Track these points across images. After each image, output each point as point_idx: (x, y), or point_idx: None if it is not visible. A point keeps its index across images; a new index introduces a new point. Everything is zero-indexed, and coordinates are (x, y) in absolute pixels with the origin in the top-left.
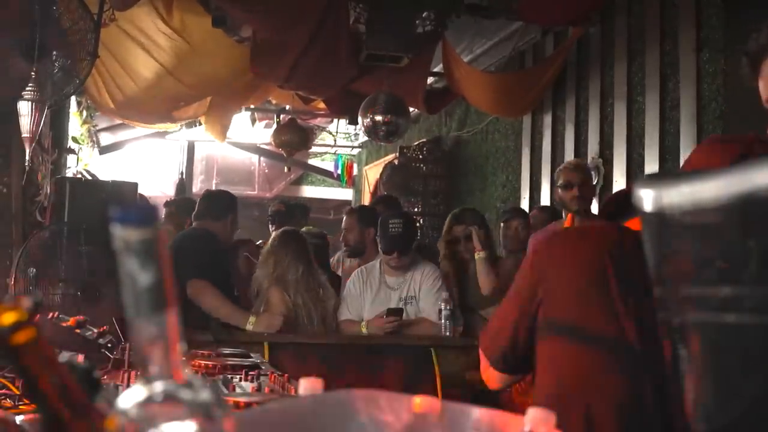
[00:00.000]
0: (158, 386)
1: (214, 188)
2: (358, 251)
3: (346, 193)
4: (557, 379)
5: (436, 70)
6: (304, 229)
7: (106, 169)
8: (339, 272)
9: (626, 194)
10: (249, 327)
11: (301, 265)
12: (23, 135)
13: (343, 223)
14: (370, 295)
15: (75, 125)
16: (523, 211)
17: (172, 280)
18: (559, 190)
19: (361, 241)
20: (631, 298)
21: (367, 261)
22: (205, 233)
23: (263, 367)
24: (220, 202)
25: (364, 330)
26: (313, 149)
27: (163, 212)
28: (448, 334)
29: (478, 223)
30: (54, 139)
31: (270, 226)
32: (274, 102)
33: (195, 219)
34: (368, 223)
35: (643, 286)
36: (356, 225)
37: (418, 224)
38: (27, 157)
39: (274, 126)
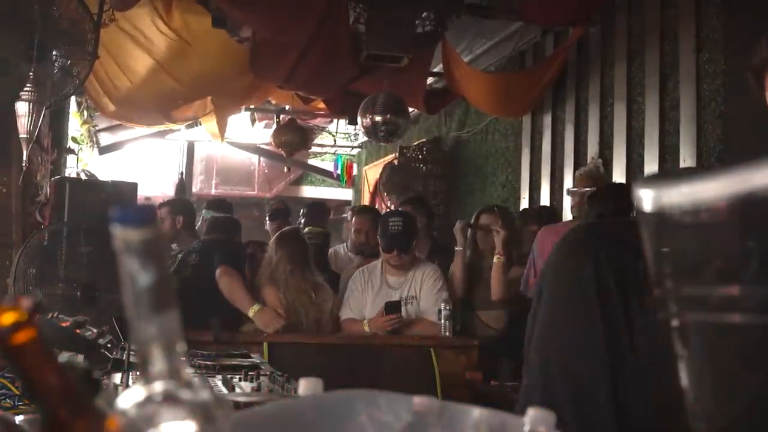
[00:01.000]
0: (158, 386)
1: (213, 189)
2: (366, 250)
3: (345, 194)
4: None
5: (436, 70)
6: (306, 229)
7: (106, 169)
8: (333, 266)
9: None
10: (250, 314)
11: (290, 264)
12: (21, 135)
13: (355, 223)
14: (372, 294)
15: (75, 125)
16: (541, 212)
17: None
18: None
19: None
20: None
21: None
22: (228, 239)
23: (263, 367)
24: (228, 224)
25: (366, 328)
26: (313, 149)
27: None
28: (448, 334)
29: (502, 218)
30: (53, 139)
31: (269, 223)
32: (274, 102)
33: (206, 236)
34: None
35: (617, 287)
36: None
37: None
38: (24, 158)
39: (274, 126)
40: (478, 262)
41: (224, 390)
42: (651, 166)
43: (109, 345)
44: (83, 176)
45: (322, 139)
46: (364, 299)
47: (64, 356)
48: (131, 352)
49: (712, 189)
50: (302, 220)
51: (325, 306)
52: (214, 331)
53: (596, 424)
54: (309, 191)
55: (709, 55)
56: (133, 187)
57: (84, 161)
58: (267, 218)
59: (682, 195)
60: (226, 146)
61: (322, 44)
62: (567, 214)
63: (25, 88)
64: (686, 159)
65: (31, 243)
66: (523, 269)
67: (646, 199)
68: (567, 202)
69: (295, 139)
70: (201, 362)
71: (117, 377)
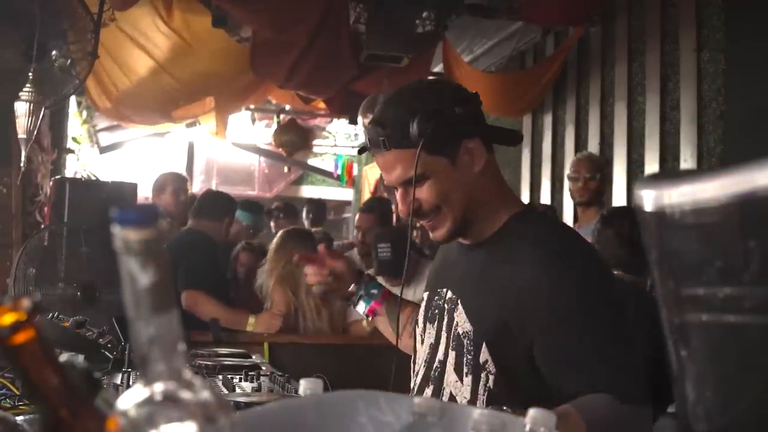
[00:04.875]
0: (158, 386)
1: (214, 188)
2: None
3: (346, 193)
4: None
5: (436, 70)
6: (312, 229)
7: (106, 169)
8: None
9: None
10: (249, 328)
11: None
12: (20, 135)
13: (358, 221)
14: None
15: (75, 125)
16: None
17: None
18: (568, 182)
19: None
20: None
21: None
22: (199, 236)
23: (263, 367)
24: (219, 204)
25: (367, 328)
26: (313, 149)
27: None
28: None
29: None
30: (53, 139)
31: (270, 222)
32: (274, 102)
33: (192, 217)
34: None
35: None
36: (375, 222)
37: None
38: (23, 158)
39: (274, 126)
40: None
41: (225, 390)
42: (651, 166)
43: (109, 345)
44: (83, 176)
45: (323, 139)
46: None
47: (64, 356)
48: (131, 352)
49: (712, 189)
50: (307, 219)
51: (336, 303)
52: (214, 331)
53: None
54: (309, 191)
55: (709, 55)
56: (133, 187)
57: (84, 161)
58: (273, 218)
59: (682, 195)
60: (226, 146)
61: (322, 44)
62: (567, 214)
63: (25, 88)
64: (686, 159)
65: (31, 243)
66: None
67: (647, 199)
68: (567, 202)
69: (295, 139)
70: (201, 362)
71: (117, 377)
